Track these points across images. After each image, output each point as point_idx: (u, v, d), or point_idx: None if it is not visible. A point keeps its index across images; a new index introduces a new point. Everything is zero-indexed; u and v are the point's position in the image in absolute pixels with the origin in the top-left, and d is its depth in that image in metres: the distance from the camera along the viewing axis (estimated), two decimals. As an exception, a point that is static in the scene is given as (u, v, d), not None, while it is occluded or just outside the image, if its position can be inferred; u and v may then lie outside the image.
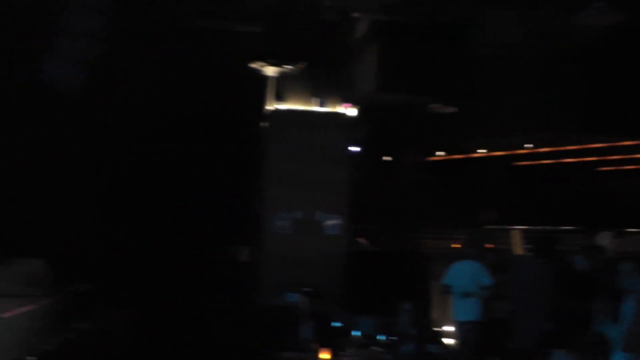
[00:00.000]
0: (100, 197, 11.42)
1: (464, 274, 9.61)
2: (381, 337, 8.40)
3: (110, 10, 10.45)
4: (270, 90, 11.24)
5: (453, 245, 12.27)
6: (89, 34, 10.53)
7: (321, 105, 11.24)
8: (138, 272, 11.03)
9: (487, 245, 12.14)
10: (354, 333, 8.62)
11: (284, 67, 11.02)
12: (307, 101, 11.27)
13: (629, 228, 13.74)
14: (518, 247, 13.33)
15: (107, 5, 10.42)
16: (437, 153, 17.18)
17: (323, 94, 11.29)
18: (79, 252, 10.92)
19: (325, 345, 7.78)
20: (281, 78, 11.16)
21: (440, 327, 10.34)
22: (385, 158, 16.35)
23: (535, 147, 15.93)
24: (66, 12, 10.38)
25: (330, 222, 11.02)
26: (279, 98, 11.20)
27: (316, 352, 7.72)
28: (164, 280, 11.27)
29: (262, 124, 11.33)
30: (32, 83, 10.85)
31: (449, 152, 17.10)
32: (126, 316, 10.11)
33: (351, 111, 11.33)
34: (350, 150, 11.44)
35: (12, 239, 10.83)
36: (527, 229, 13.55)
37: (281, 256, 10.74)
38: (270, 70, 11.08)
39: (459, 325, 9.65)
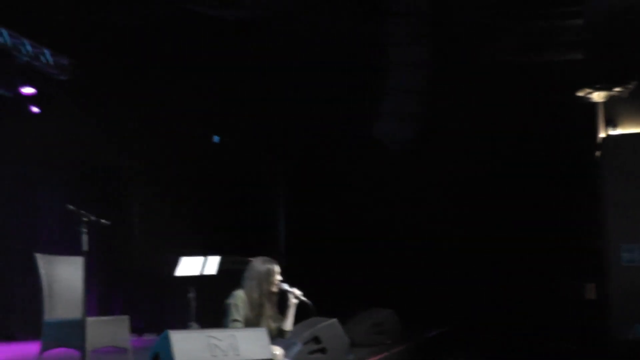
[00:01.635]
0: (439, 247, 11.67)
1: None
2: None
3: (430, 63, 10.75)
4: (600, 117, 10.74)
5: None
6: (412, 89, 10.92)
7: (659, 126, 10.51)
8: (485, 314, 11.01)
9: None
10: None
11: (612, 91, 10.50)
12: (642, 123, 10.61)
13: None
14: None
15: (426, 59, 10.73)
16: None
17: (660, 113, 10.54)
18: (425, 300, 11.21)
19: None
20: (611, 102, 10.63)
21: None
22: None
23: None
24: (391, 71, 10.88)
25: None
26: (611, 124, 10.65)
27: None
28: (511, 321, 11.12)
29: (596, 152, 10.85)
30: (365, 139, 11.49)
31: None
32: (477, 359, 10.13)
33: (695, 127, 10.46)
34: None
35: (363, 291, 11.46)
36: None
37: (633, 290, 10.10)
38: (598, 96, 10.62)
39: None
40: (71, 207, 5.43)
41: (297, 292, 6.00)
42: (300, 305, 6.11)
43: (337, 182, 12.38)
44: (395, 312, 9.38)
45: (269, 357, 5.22)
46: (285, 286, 5.97)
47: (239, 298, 5.80)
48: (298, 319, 6.61)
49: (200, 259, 8.88)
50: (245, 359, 5.07)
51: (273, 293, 5.94)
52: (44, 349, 6.81)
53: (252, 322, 5.80)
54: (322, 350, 6.95)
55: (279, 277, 5.95)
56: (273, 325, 5.95)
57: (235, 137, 12.30)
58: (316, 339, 6.93)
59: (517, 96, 11.37)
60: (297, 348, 6.18)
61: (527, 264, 11.76)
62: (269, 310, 5.94)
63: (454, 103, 11.47)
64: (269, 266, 5.94)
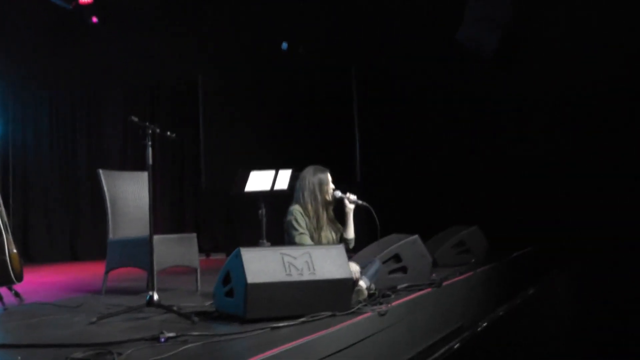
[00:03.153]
0: (525, 162, 11.39)
1: None
2: None
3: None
4: None
5: None
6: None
7: None
8: (580, 230, 10.75)
9: None
10: None
11: None
12: None
13: None
14: None
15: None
16: None
17: None
18: (513, 216, 11.02)
19: None
20: None
21: None
22: None
23: None
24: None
25: None
26: None
27: None
28: (609, 236, 10.80)
29: None
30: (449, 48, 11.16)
31: None
32: (571, 278, 9.97)
33: None
34: None
35: (445, 208, 11.32)
36: None
37: None
38: None
39: None
40: (135, 119, 5.41)
41: (352, 197, 6.02)
42: (366, 217, 6.07)
43: (417, 94, 12.13)
44: (480, 229, 9.25)
45: (348, 276, 5.16)
46: (339, 193, 5.99)
47: (296, 213, 5.85)
48: (366, 233, 6.56)
49: (271, 173, 8.86)
50: (323, 278, 5.03)
51: (328, 202, 5.98)
52: (109, 268, 6.90)
53: (312, 236, 5.86)
54: (403, 270, 6.89)
55: (332, 185, 5.97)
56: (334, 235, 6.00)
57: (307, 45, 12.12)
58: (396, 257, 6.87)
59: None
60: (375, 266, 6.11)
61: (622, 185, 11.34)
62: (327, 220, 5.98)
63: (546, 9, 10.99)
64: (320, 175, 5.97)
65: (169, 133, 5.57)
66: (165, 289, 6.91)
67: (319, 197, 5.92)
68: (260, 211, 8.91)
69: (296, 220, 5.81)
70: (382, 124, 12.37)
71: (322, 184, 5.94)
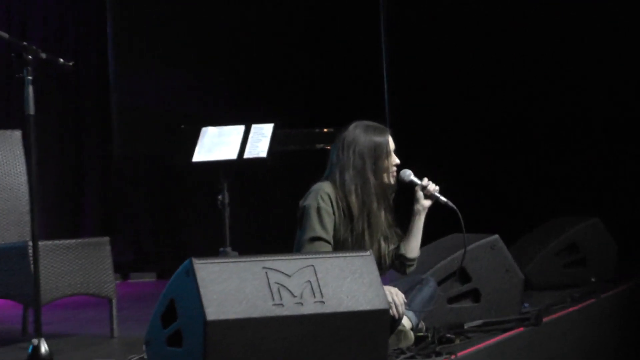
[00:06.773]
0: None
1: None
2: None
3: None
4: None
5: None
6: None
7: None
8: None
9: None
10: None
11: None
12: None
13: None
14: None
15: None
16: None
17: None
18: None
19: None
20: None
21: None
22: None
23: None
24: None
25: None
26: None
27: None
28: None
29: None
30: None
31: None
32: None
33: None
34: None
35: (534, 187, 11.38)
36: None
37: None
38: None
39: None
40: (4, 34, 5.41)
41: (432, 186, 5.80)
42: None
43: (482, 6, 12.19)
44: (602, 223, 9.24)
45: (383, 305, 5.10)
46: (410, 175, 5.80)
47: (323, 196, 5.58)
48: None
49: (239, 130, 8.85)
50: (338, 309, 4.98)
51: (389, 187, 5.79)
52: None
53: (348, 243, 5.64)
54: (474, 295, 6.93)
55: (396, 159, 5.77)
56: (387, 248, 5.85)
57: None
58: (462, 274, 6.88)
59: None
60: (428, 291, 6.10)
61: None
62: (380, 220, 5.80)
63: None
64: (376, 139, 5.73)
65: (61, 60, 5.55)
66: (59, 335, 6.94)
67: (371, 179, 5.64)
68: (220, 197, 8.92)
69: (318, 211, 5.55)
70: (424, 52, 12.39)
71: (378, 157, 5.64)
